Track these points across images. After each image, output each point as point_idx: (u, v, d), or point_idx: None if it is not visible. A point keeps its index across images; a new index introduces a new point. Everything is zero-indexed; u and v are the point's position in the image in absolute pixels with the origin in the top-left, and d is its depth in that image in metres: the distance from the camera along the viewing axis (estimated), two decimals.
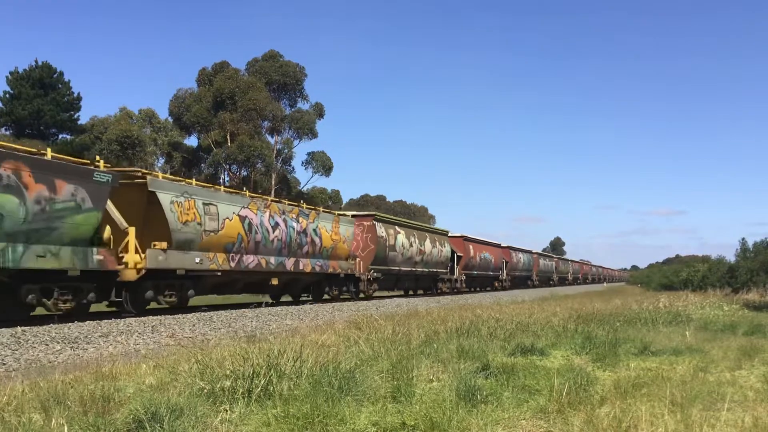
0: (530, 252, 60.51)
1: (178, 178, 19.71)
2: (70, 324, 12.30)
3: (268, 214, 20.18)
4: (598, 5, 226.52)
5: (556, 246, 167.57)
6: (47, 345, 9.73)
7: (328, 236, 23.68)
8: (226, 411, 4.78)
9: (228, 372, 5.45)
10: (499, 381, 6.15)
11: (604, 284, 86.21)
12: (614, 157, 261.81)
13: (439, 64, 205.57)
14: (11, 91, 46.69)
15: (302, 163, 60.95)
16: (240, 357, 5.81)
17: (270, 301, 22.08)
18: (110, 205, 14.71)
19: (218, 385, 5.22)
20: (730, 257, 40.31)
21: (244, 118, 53.46)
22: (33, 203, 12.38)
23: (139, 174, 16.24)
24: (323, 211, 24.78)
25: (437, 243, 34.81)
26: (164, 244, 15.66)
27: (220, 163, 55.00)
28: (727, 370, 7.27)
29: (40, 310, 13.59)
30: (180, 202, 16.35)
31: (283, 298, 23.30)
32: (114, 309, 15.85)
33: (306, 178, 65.27)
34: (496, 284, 46.82)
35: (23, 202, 12.21)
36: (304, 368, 5.87)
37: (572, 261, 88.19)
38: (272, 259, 20.18)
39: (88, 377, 6.09)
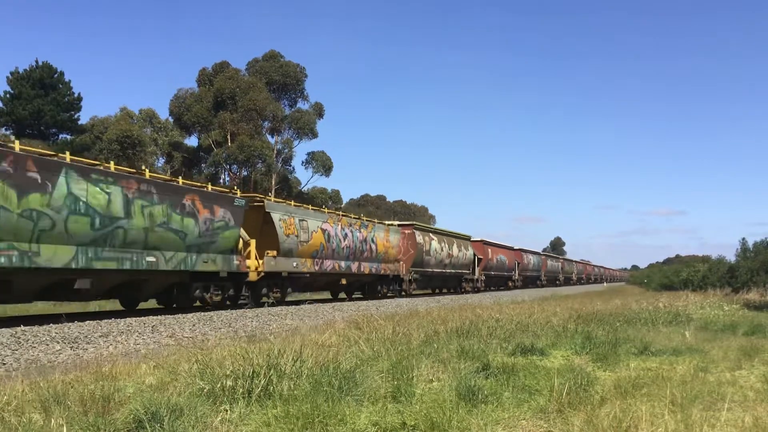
0: (539, 254, 64.69)
1: (282, 200, 24.50)
2: (70, 324, 12.31)
3: (339, 226, 24.69)
4: (598, 5, 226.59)
5: (556, 246, 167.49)
6: (47, 345, 9.73)
7: (381, 243, 28.29)
8: (226, 411, 4.78)
9: (228, 372, 5.44)
10: (499, 381, 6.15)
11: (604, 284, 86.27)
12: (614, 157, 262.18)
13: (439, 64, 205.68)
14: (12, 91, 46.70)
15: (302, 163, 60.99)
16: (240, 357, 5.81)
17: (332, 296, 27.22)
18: None
19: (218, 385, 5.22)
20: (731, 257, 40.34)
21: (245, 118, 53.45)
22: (202, 224, 16.86)
23: (258, 198, 21.12)
24: (377, 222, 29.57)
25: (462, 247, 39.12)
26: (274, 252, 20.13)
27: (220, 163, 54.99)
28: (727, 370, 7.26)
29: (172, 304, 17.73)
30: (285, 219, 20.98)
31: (340, 295, 27.60)
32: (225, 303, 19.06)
33: (306, 178, 65.28)
34: (510, 284, 50.64)
35: (197, 223, 16.68)
36: (304, 368, 5.87)
37: (576, 262, 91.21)
38: (342, 263, 24.61)
39: (88, 377, 6.09)
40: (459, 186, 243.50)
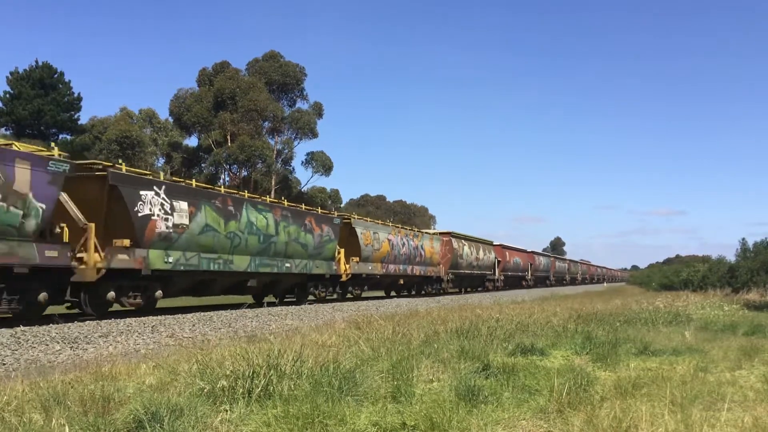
0: (549, 256, 73.22)
1: (364, 217, 31.51)
2: (70, 324, 12.32)
3: (399, 236, 30.86)
4: (598, 5, 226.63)
5: (556, 246, 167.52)
6: (47, 345, 9.73)
7: (428, 250, 34.31)
8: (226, 411, 4.78)
9: (228, 372, 5.44)
10: (499, 381, 6.15)
11: (605, 284, 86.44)
12: (614, 157, 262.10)
13: (439, 64, 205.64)
14: (11, 91, 46.72)
15: (302, 163, 61.02)
16: (240, 357, 5.81)
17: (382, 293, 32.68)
18: None
19: (218, 385, 5.22)
20: (731, 257, 40.30)
21: (245, 119, 53.46)
22: (316, 238, 22.75)
23: (346, 217, 26.76)
24: (424, 232, 36.51)
25: (486, 251, 45.19)
26: (357, 259, 26.11)
27: (220, 163, 55.00)
28: (727, 370, 7.26)
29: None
30: (364, 232, 27.07)
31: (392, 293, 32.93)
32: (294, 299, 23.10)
33: (306, 178, 65.30)
34: (523, 283, 56.17)
35: (313, 237, 22.51)
36: (304, 368, 5.86)
37: (579, 262, 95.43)
38: (401, 267, 30.77)
39: (88, 377, 6.09)
40: (459, 186, 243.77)
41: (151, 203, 15.15)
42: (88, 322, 12.80)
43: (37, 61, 47.58)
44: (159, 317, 14.42)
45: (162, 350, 9.22)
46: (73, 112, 49.03)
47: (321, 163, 59.96)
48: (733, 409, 5.14)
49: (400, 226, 32.94)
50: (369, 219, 30.16)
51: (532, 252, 60.69)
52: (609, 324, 11.77)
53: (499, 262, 47.50)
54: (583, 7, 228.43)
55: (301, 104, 59.11)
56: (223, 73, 55.30)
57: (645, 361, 7.83)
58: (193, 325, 13.10)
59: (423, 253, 33.39)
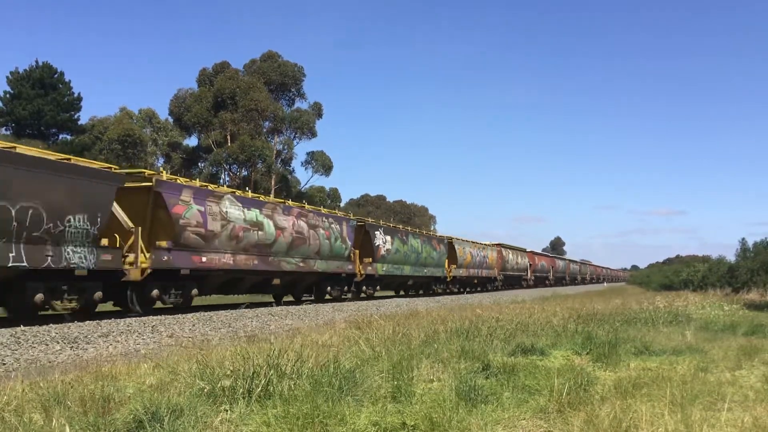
0: (564, 259, 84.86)
1: (461, 238, 41.78)
2: (70, 324, 12.31)
3: (475, 249, 42.49)
4: (598, 4, 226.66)
5: (556, 246, 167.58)
6: (47, 345, 9.73)
7: (491, 257, 45.97)
8: (227, 411, 4.78)
9: (228, 372, 5.44)
10: (500, 381, 6.15)
11: (605, 284, 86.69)
12: (614, 157, 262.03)
13: (438, 63, 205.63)
14: (12, 91, 46.72)
15: (302, 163, 61.06)
16: (240, 357, 5.81)
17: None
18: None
19: (218, 385, 5.22)
20: (731, 257, 40.33)
21: (245, 118, 53.47)
22: (435, 252, 33.99)
23: (449, 237, 38.32)
24: (488, 245, 46.68)
25: (521, 256, 55.31)
26: (455, 265, 36.94)
27: (220, 163, 55.00)
28: (727, 370, 7.26)
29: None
30: (459, 247, 38.81)
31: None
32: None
33: (305, 178, 65.32)
34: (546, 282, 64.92)
35: (435, 251, 33.30)
36: (305, 368, 5.86)
37: (580, 262, 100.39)
38: (476, 270, 42.26)
39: (88, 377, 6.09)
40: (459, 186, 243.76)
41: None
42: (88, 322, 12.80)
43: (37, 61, 47.64)
44: (159, 317, 14.42)
45: (162, 350, 9.22)
46: (73, 112, 49.04)
47: (321, 163, 60.00)
48: (733, 409, 5.14)
49: (475, 241, 44.17)
50: (462, 238, 41.28)
51: (553, 256, 76.90)
52: (609, 324, 11.77)
53: (530, 265, 58.11)
54: (583, 6, 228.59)
55: (300, 104, 59.18)
56: (223, 74, 55.32)
57: (645, 361, 7.83)
58: (193, 325, 13.10)
59: (487, 260, 45.09)
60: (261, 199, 20.97)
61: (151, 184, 15.58)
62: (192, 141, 59.99)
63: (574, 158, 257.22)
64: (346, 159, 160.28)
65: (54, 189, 12.56)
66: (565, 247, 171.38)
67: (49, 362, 8.44)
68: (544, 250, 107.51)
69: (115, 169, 14.76)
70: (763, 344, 9.31)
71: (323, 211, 24.07)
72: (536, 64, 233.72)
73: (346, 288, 25.22)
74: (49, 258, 12.57)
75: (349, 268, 24.87)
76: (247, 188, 34.84)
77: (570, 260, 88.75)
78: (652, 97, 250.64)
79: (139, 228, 14.94)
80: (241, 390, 5.12)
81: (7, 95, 46.70)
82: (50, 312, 13.60)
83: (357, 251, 25.69)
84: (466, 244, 41.08)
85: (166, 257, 15.53)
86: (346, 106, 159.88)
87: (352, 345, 7.94)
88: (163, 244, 15.48)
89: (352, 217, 26.30)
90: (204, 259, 16.82)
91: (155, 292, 15.56)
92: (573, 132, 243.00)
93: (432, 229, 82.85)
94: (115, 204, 14.43)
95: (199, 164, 57.89)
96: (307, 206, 23.01)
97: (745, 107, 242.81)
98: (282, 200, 23.13)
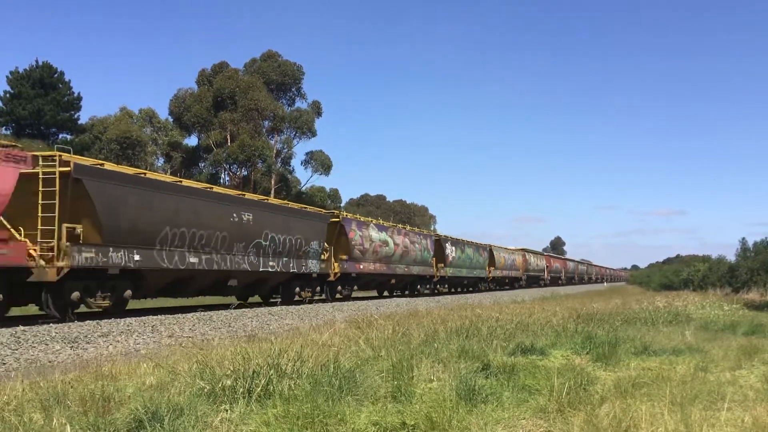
0: (574, 261, 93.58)
1: (500, 245, 50.56)
2: (70, 324, 12.32)
3: (507, 252, 50.63)
4: (598, 4, 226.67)
5: (556, 246, 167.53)
6: (47, 345, 9.73)
7: (518, 261, 53.41)
8: (227, 410, 4.78)
9: (228, 372, 5.44)
10: (500, 381, 6.15)
11: (605, 284, 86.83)
12: (614, 157, 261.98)
13: (438, 63, 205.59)
14: (11, 91, 46.69)
15: (301, 162, 61.03)
16: (240, 357, 5.81)
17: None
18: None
19: (218, 385, 5.22)
20: (731, 257, 40.32)
21: (245, 118, 53.46)
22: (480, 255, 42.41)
23: (521, 249, 54.57)
24: (516, 249, 54.37)
25: (540, 259, 64.24)
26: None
27: (220, 163, 54.98)
28: (727, 369, 7.26)
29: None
30: (503, 255, 47.74)
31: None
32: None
33: (305, 178, 65.28)
34: (559, 282, 72.84)
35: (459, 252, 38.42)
36: (305, 368, 5.87)
37: (594, 265, 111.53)
38: (507, 272, 49.75)
39: (88, 377, 6.09)
40: (459, 186, 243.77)
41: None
42: (88, 321, 12.80)
43: (37, 61, 47.60)
44: (159, 317, 14.42)
45: (162, 350, 9.22)
46: (73, 112, 49.02)
47: (320, 163, 59.97)
48: (733, 408, 5.14)
49: (506, 247, 52.19)
50: (498, 245, 48.18)
51: (565, 259, 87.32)
52: (609, 324, 11.77)
53: (547, 267, 66.29)
54: (583, 6, 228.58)
55: (299, 103, 59.16)
56: (222, 74, 55.30)
57: (645, 360, 7.83)
58: (193, 325, 13.10)
59: (515, 263, 52.82)
60: (384, 224, 30.29)
61: (338, 219, 24.87)
62: (192, 141, 60.01)
63: (574, 158, 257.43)
64: (346, 159, 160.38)
65: (305, 227, 22.13)
66: (565, 247, 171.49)
67: (49, 362, 8.44)
68: (544, 250, 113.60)
69: (325, 211, 25.47)
70: (763, 344, 9.31)
71: (415, 230, 34.67)
72: (536, 63, 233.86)
73: (428, 286, 33.75)
74: (303, 267, 21.90)
75: (431, 271, 33.47)
76: (245, 189, 34.85)
77: (578, 262, 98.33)
78: (652, 96, 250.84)
79: (332, 247, 23.98)
80: (241, 390, 5.12)
81: (7, 95, 46.67)
82: (298, 299, 22.03)
83: (434, 258, 34.22)
84: (501, 249, 49.31)
85: (345, 265, 24.59)
86: (346, 105, 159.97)
87: (352, 345, 7.94)
88: (343, 257, 24.69)
89: (432, 233, 36.20)
90: (362, 266, 25.98)
91: (339, 287, 24.96)
92: (573, 132, 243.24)
93: (432, 229, 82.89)
94: None
95: (200, 165, 57.86)
96: (407, 227, 33.82)
97: (745, 107, 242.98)
98: (395, 224, 32.77)
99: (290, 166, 61.08)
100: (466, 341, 8.45)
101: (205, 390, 5.20)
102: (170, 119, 57.71)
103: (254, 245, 18.97)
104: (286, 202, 24.89)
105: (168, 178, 18.62)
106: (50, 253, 12.91)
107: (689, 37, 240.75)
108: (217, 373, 5.47)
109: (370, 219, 32.44)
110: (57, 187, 13.01)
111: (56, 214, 12.96)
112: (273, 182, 56.44)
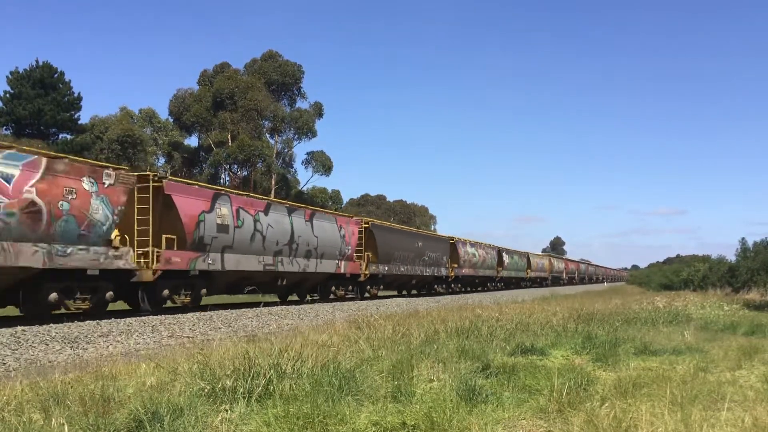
0: (584, 263, 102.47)
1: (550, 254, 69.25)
2: (70, 324, 12.32)
3: (538, 258, 62.16)
4: (597, 4, 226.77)
5: (556, 246, 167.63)
6: (47, 345, 9.74)
7: (545, 263, 62.57)
8: (227, 411, 4.78)
9: (228, 372, 5.44)
10: (500, 381, 6.15)
11: (605, 284, 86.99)
12: (614, 157, 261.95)
13: (438, 63, 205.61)
14: (12, 91, 46.69)
15: (302, 162, 61.08)
16: (240, 357, 5.81)
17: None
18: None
19: (218, 385, 5.22)
20: (731, 257, 40.32)
21: (245, 118, 53.47)
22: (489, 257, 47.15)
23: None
24: (544, 255, 63.82)
25: (560, 262, 75.09)
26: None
27: (220, 163, 54.99)
28: (727, 369, 7.26)
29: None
30: (536, 260, 60.38)
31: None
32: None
33: (306, 178, 65.32)
34: (574, 281, 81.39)
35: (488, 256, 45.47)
36: (305, 368, 5.87)
37: (598, 266, 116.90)
38: (541, 273, 60.86)
39: (88, 377, 6.09)
40: (459, 186, 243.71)
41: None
42: (88, 322, 12.81)
43: (37, 61, 47.57)
44: (159, 317, 14.43)
45: (162, 350, 9.22)
46: (73, 112, 48.99)
47: (321, 163, 60.02)
48: (733, 409, 5.14)
49: (538, 253, 62.74)
50: (534, 252, 59.88)
51: (578, 261, 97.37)
52: (609, 324, 11.77)
53: (565, 269, 77.10)
54: (583, 6, 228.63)
55: (300, 104, 59.18)
56: (222, 74, 55.32)
57: (645, 360, 7.83)
58: (193, 325, 13.10)
59: (544, 266, 63.23)
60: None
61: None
62: (192, 141, 60.02)
63: (574, 158, 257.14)
64: (346, 159, 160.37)
65: (437, 246, 34.21)
66: (565, 247, 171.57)
67: (49, 362, 8.45)
68: (544, 249, 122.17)
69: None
70: (763, 344, 9.32)
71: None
72: (536, 63, 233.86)
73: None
74: (435, 271, 32.06)
75: (444, 271, 35.89)
76: (245, 189, 34.87)
77: (589, 263, 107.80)
78: (652, 96, 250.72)
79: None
80: (241, 390, 5.13)
81: (7, 95, 46.67)
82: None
83: (450, 259, 37.71)
84: (535, 255, 61.86)
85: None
86: (346, 105, 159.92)
87: (352, 345, 7.94)
88: (455, 266, 36.70)
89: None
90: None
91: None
92: (573, 132, 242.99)
93: (432, 229, 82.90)
94: None
95: (203, 165, 57.82)
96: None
97: (746, 107, 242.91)
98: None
99: (293, 168, 61.18)
100: (466, 341, 8.45)
101: (206, 390, 5.20)
102: (170, 119, 57.72)
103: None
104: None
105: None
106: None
107: (689, 37, 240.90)
108: (218, 373, 5.47)
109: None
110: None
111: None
112: (273, 182, 56.45)
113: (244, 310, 17.11)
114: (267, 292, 22.03)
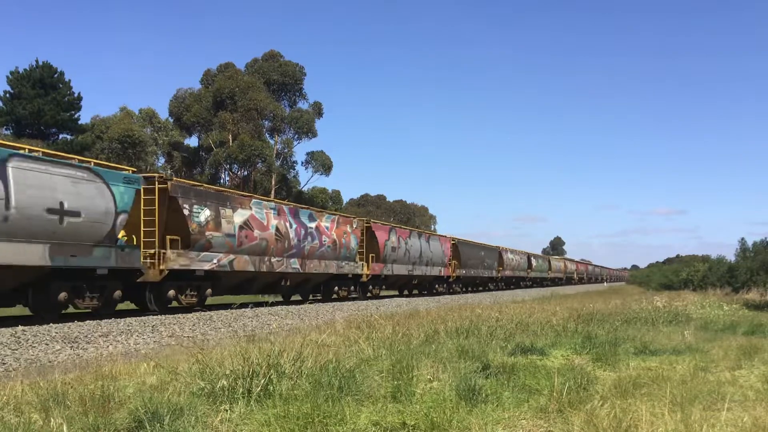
0: (592, 264, 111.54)
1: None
2: (70, 324, 12.32)
3: (557, 261, 76.41)
4: (597, 3, 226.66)
5: (556, 246, 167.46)
6: (47, 345, 9.74)
7: (561, 266, 74.74)
8: (227, 411, 4.78)
9: (228, 372, 5.44)
10: (500, 381, 6.15)
11: (605, 284, 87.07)
12: (614, 157, 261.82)
13: (438, 63, 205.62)
14: (12, 91, 46.65)
15: (302, 162, 61.06)
16: (240, 356, 5.81)
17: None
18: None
19: (218, 385, 5.22)
20: (730, 257, 40.33)
21: (245, 118, 53.45)
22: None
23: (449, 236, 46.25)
24: (555, 258, 74.12)
25: (572, 264, 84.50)
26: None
27: (220, 163, 54.97)
28: (727, 369, 7.26)
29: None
30: (556, 264, 73.98)
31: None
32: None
33: (306, 178, 65.28)
34: (572, 281, 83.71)
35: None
36: (304, 368, 5.87)
37: (603, 267, 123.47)
38: (559, 274, 73.25)
39: (89, 377, 6.09)
40: (459, 185, 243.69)
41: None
42: (88, 321, 12.81)
43: (37, 61, 47.51)
44: (159, 317, 14.44)
45: (162, 350, 9.23)
46: (73, 112, 48.94)
47: (321, 163, 59.99)
48: (733, 408, 5.14)
49: (556, 256, 66.41)
50: (554, 256, 66.42)
51: (586, 263, 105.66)
52: (609, 323, 11.77)
53: (575, 270, 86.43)
54: (583, 5, 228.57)
55: (301, 104, 59.17)
56: (222, 73, 55.30)
57: (645, 360, 7.83)
58: (193, 325, 13.10)
59: (561, 267, 72.58)
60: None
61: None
62: (193, 141, 60.00)
63: (574, 158, 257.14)
64: (346, 159, 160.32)
65: (491, 254, 44.92)
66: (565, 247, 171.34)
67: (50, 362, 8.45)
68: (544, 249, 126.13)
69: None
70: (763, 344, 9.31)
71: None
72: (536, 63, 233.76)
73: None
74: (488, 273, 41.87)
75: (494, 273, 41.60)
76: (245, 189, 34.78)
77: (594, 265, 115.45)
78: (652, 96, 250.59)
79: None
80: (241, 390, 5.13)
81: (7, 95, 46.62)
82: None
83: (497, 263, 44.59)
84: (554, 259, 73.87)
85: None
86: (346, 105, 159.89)
87: (352, 344, 7.94)
88: (501, 268, 45.98)
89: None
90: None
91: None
92: (573, 132, 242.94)
93: (432, 229, 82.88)
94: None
95: (205, 166, 57.77)
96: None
97: (746, 106, 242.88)
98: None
99: (294, 169, 61.16)
100: (466, 341, 8.45)
101: (205, 390, 5.20)
102: (170, 119, 57.70)
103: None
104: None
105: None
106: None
107: (689, 37, 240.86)
108: (218, 373, 5.47)
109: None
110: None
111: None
112: (273, 182, 56.44)
113: (244, 310, 17.11)
114: (406, 288, 32.93)
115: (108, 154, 46.54)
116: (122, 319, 13.41)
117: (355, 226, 26.24)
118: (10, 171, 11.71)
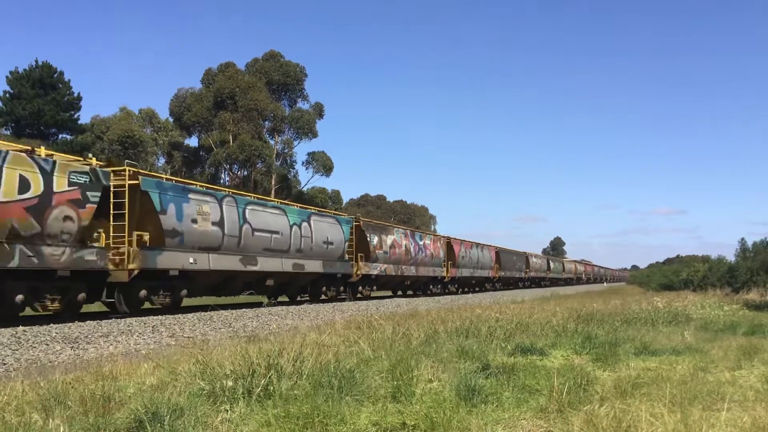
0: (597, 266, 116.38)
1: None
2: (70, 324, 12.32)
3: (571, 263, 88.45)
4: (597, 3, 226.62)
5: (556, 246, 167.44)
6: (47, 345, 9.74)
7: (572, 267, 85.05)
8: (227, 411, 4.79)
9: (228, 372, 5.45)
10: (499, 381, 6.15)
11: (605, 284, 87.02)
12: (614, 157, 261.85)
13: (439, 63, 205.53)
14: (11, 91, 46.67)
15: (302, 163, 61.06)
16: (240, 357, 5.82)
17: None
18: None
19: (218, 385, 5.22)
20: (730, 257, 40.33)
21: (245, 118, 53.45)
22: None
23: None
24: (568, 260, 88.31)
25: (581, 265, 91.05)
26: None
27: (220, 163, 54.96)
28: (727, 369, 7.26)
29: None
30: (569, 266, 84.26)
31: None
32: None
33: (306, 178, 65.24)
34: (581, 281, 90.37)
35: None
36: (304, 368, 5.87)
37: (604, 267, 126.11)
38: (572, 275, 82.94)
39: (89, 377, 6.09)
40: (459, 186, 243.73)
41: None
42: (88, 321, 12.81)
43: (37, 61, 47.55)
44: (159, 317, 14.44)
45: (162, 350, 9.23)
46: (72, 112, 48.97)
47: (321, 163, 59.99)
48: (733, 409, 5.14)
49: (572, 259, 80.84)
50: (570, 258, 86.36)
51: (592, 264, 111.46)
52: (609, 324, 11.77)
53: (584, 270, 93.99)
54: (583, 5, 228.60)
55: (301, 104, 59.17)
56: (223, 73, 55.30)
57: (645, 360, 7.83)
58: (194, 325, 13.10)
59: (572, 268, 79.72)
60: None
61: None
62: (193, 141, 59.99)
63: (574, 158, 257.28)
64: (347, 159, 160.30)
65: (519, 258, 53.21)
66: (565, 247, 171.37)
67: (50, 362, 8.45)
68: (544, 249, 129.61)
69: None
70: (763, 344, 9.31)
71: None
72: (536, 63, 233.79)
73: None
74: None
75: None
76: (245, 189, 34.81)
77: (598, 266, 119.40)
78: (652, 96, 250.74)
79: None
80: (241, 390, 5.13)
81: (7, 95, 46.65)
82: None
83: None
84: (567, 260, 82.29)
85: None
86: (347, 105, 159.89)
87: (352, 345, 7.94)
88: (527, 270, 56.00)
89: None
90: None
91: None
92: (573, 132, 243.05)
93: (432, 229, 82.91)
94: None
95: (205, 166, 57.74)
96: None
97: (746, 106, 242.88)
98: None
99: (294, 169, 61.14)
100: (466, 341, 8.45)
101: (206, 390, 5.21)
102: (170, 119, 57.69)
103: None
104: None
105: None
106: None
107: (689, 37, 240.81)
108: (218, 373, 5.47)
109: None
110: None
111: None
112: (273, 182, 56.43)
113: (244, 310, 17.12)
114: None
115: (108, 154, 46.51)
116: (122, 320, 13.42)
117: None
118: None
